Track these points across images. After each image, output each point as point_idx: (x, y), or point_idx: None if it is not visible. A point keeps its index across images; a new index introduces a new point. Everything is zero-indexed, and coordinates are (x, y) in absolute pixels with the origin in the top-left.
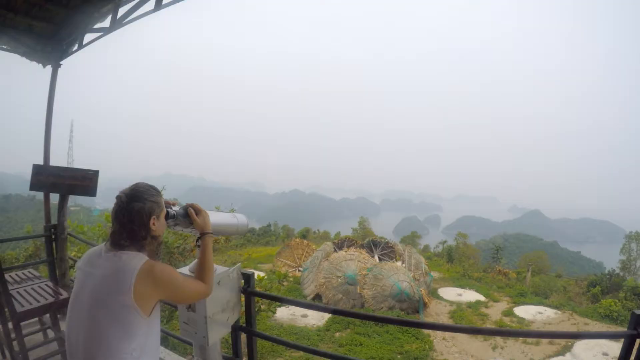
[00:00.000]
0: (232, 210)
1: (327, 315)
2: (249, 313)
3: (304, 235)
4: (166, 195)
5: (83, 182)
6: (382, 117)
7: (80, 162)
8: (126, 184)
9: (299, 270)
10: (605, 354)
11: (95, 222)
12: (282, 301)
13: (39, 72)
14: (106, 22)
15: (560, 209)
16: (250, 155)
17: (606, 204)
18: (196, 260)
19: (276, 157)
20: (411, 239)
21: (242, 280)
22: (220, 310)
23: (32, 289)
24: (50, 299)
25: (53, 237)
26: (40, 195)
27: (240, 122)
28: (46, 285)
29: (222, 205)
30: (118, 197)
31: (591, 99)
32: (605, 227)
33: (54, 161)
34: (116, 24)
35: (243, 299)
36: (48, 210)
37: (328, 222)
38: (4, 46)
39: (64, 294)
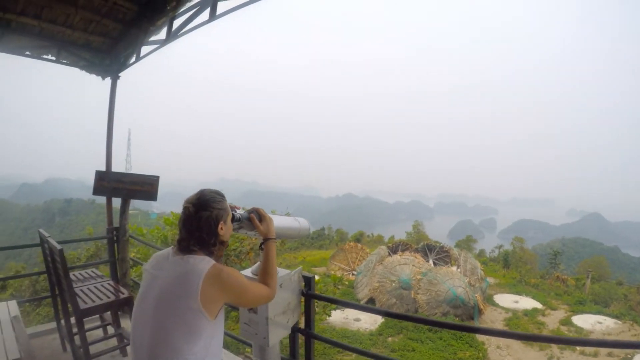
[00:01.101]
0: (288, 214)
1: (379, 320)
2: (309, 315)
3: (358, 239)
4: None
5: (144, 187)
6: (436, 118)
7: (138, 169)
8: (183, 189)
9: (352, 274)
10: None
11: (152, 225)
12: (343, 304)
13: (93, 84)
14: (162, 35)
15: (622, 211)
16: (304, 159)
17: None
18: (259, 263)
19: (329, 162)
20: (466, 243)
21: (303, 283)
22: (281, 312)
23: (94, 287)
24: (112, 297)
25: (115, 238)
26: (99, 199)
27: (294, 128)
28: (108, 284)
29: (276, 210)
30: (185, 207)
31: None
32: None
33: (113, 168)
34: (172, 36)
35: (302, 301)
36: (110, 214)
37: (381, 226)
38: (64, 61)
39: (125, 293)
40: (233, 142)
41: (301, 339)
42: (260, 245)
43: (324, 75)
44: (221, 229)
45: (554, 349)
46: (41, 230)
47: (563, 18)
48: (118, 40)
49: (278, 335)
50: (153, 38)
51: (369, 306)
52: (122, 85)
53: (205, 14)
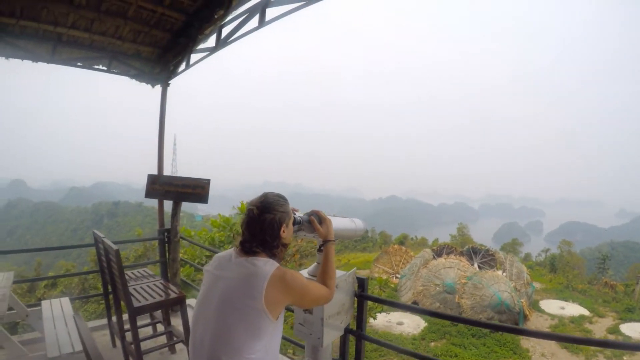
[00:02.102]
0: (335, 216)
1: (422, 324)
2: (360, 317)
3: (401, 241)
4: None
5: (195, 190)
6: (479, 118)
7: (183, 173)
8: (228, 191)
9: (396, 277)
10: None
11: (197, 227)
12: (396, 306)
13: (139, 93)
14: (211, 42)
15: None
16: (348, 162)
17: None
18: (315, 264)
19: (374, 164)
20: (511, 247)
21: (356, 285)
22: (336, 313)
23: (147, 286)
24: (164, 296)
25: (166, 240)
26: (146, 202)
27: (339, 131)
28: (160, 283)
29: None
30: (250, 210)
31: None
32: None
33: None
34: (221, 43)
35: (355, 302)
36: (162, 216)
37: (425, 228)
38: (115, 70)
39: (177, 292)
40: (278, 145)
41: (351, 340)
42: (320, 247)
43: (370, 83)
44: (283, 231)
45: (601, 358)
46: (96, 231)
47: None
48: (167, 50)
49: (332, 335)
50: (202, 46)
51: (421, 307)
52: (170, 90)
53: (255, 21)
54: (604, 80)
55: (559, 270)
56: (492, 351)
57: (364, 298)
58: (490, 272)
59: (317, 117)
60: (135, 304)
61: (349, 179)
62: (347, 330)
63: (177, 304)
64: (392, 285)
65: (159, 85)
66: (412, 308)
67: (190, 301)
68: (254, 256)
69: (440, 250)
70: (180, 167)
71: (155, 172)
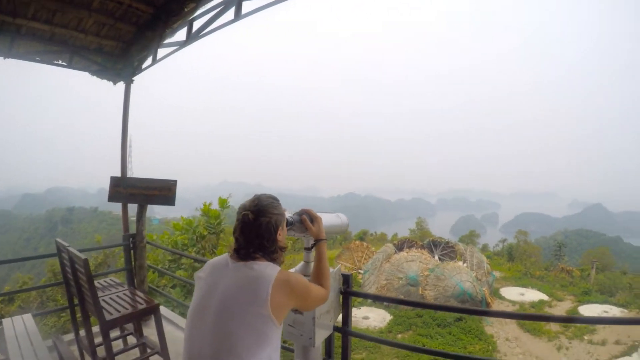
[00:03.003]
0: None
1: (388, 317)
2: (346, 313)
3: (362, 237)
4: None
5: (162, 192)
6: (436, 113)
7: (139, 174)
8: (186, 193)
9: (359, 273)
10: None
11: (155, 231)
12: (380, 299)
13: (93, 90)
14: (181, 36)
15: (624, 201)
16: (306, 160)
17: None
18: (303, 263)
19: (330, 162)
20: (469, 238)
21: (342, 281)
22: (326, 312)
23: (117, 296)
24: (138, 306)
25: (132, 245)
26: (102, 207)
27: (295, 127)
28: (130, 292)
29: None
30: (244, 215)
31: None
32: None
33: (111, 173)
34: (192, 37)
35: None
36: (126, 220)
37: (384, 224)
38: (76, 65)
39: (149, 301)
40: (235, 145)
41: (336, 337)
42: (311, 246)
43: (321, 76)
44: (279, 234)
45: (562, 339)
46: (59, 240)
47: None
48: (132, 44)
49: (322, 335)
50: (172, 40)
51: (406, 299)
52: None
53: (230, 14)
54: (560, 74)
55: (516, 258)
56: (458, 339)
57: (349, 294)
58: (451, 263)
59: (277, 120)
60: (108, 317)
61: (308, 178)
62: (334, 328)
63: (150, 314)
64: (360, 281)
65: (122, 82)
66: (398, 300)
67: (162, 309)
68: (253, 261)
69: (401, 245)
70: (136, 170)
71: (116, 174)
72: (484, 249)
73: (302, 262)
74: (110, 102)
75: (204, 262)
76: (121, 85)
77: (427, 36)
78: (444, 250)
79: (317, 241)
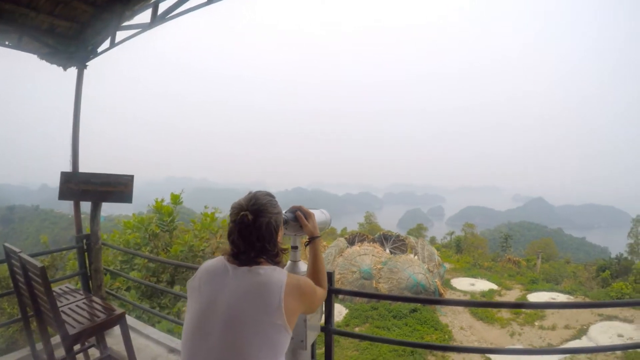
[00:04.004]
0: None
1: (344, 311)
2: (329, 311)
3: None
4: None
5: (117, 188)
6: (382, 109)
7: (83, 169)
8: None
9: None
10: (620, 335)
11: (102, 230)
12: (361, 295)
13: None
14: (146, 17)
15: (564, 195)
16: (253, 155)
17: (611, 189)
18: (289, 262)
19: (278, 157)
20: (417, 232)
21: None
22: (316, 312)
23: (76, 305)
24: (101, 316)
25: (85, 247)
26: (44, 205)
27: (241, 120)
28: (90, 300)
29: (225, 207)
30: (243, 216)
31: (580, 79)
32: (609, 212)
33: (52, 170)
34: (157, 19)
35: None
36: (79, 220)
37: (333, 218)
38: (25, 47)
39: (113, 309)
40: (180, 139)
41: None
42: (306, 244)
43: (277, 69)
44: (279, 235)
45: (514, 325)
46: (7, 244)
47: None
48: (87, 26)
49: (313, 336)
50: (134, 22)
51: (386, 294)
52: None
53: None
54: (496, 74)
55: (464, 250)
56: (415, 330)
57: (332, 292)
58: (403, 256)
59: (224, 114)
60: (71, 330)
61: (256, 173)
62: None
63: (116, 324)
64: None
65: (74, 67)
66: (380, 296)
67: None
68: (257, 265)
69: (352, 239)
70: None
71: (67, 169)
72: (432, 241)
73: (289, 262)
74: (56, 90)
75: (160, 262)
76: (73, 71)
77: (399, 40)
78: (395, 243)
79: (312, 239)
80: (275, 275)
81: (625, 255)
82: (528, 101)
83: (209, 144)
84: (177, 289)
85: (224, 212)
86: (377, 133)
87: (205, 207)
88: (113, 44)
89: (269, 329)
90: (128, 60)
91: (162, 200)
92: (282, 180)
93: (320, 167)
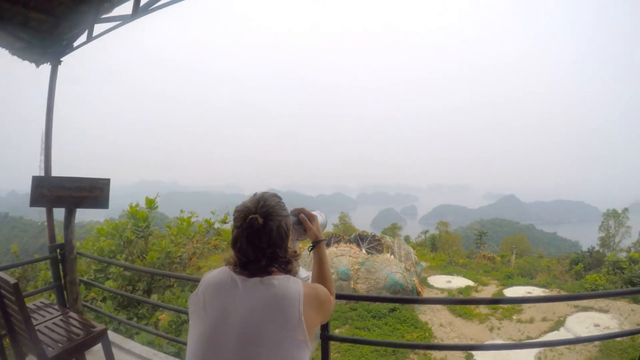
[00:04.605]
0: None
1: None
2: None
3: None
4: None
5: (93, 192)
6: (357, 112)
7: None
8: None
9: None
10: (597, 325)
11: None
12: (355, 299)
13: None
14: (127, 9)
15: (535, 192)
16: (224, 155)
17: (580, 185)
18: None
19: (250, 157)
20: (391, 231)
21: None
22: None
23: (53, 323)
24: (81, 334)
25: (60, 257)
26: (14, 212)
27: (214, 123)
28: (66, 317)
29: (198, 210)
30: (252, 219)
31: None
32: (579, 207)
33: (20, 177)
34: (140, 11)
35: None
36: (52, 228)
37: None
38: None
39: (94, 325)
40: (150, 141)
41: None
42: (310, 249)
43: (248, 67)
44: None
45: (493, 320)
46: None
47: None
48: (63, 19)
49: (314, 344)
50: (114, 14)
51: (384, 296)
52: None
53: None
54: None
55: (439, 248)
56: (395, 329)
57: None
58: (380, 256)
59: (192, 114)
60: (49, 352)
61: (228, 175)
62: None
63: (98, 341)
64: None
65: (48, 63)
66: (372, 298)
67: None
68: (268, 275)
69: (328, 240)
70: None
71: (39, 173)
72: (407, 240)
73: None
74: (27, 87)
75: (138, 270)
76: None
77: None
78: (371, 243)
79: (317, 243)
80: (291, 285)
81: (597, 248)
82: (498, 104)
83: (178, 143)
84: (154, 297)
85: (201, 216)
86: (349, 134)
87: (182, 211)
88: (90, 38)
89: (289, 346)
90: (103, 56)
91: (137, 205)
92: (254, 181)
93: (293, 168)
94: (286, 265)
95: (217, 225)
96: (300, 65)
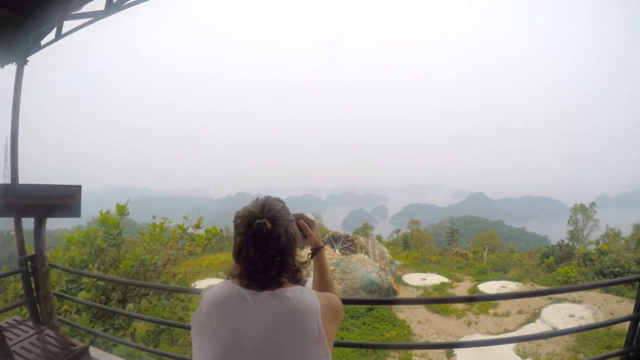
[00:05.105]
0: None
1: None
2: None
3: None
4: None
5: (63, 200)
6: (324, 112)
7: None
8: None
9: None
10: (571, 316)
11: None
12: (349, 303)
13: None
14: (99, 5)
15: (503, 189)
16: (194, 161)
17: (547, 181)
18: None
19: (219, 159)
20: (363, 231)
21: None
22: None
23: (29, 343)
24: (62, 354)
25: (31, 270)
26: None
27: (182, 126)
28: (42, 335)
29: (168, 216)
30: (259, 225)
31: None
32: (546, 203)
33: None
34: (113, 6)
35: None
36: (21, 239)
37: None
38: None
39: (73, 344)
40: (119, 148)
41: None
42: (311, 256)
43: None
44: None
45: (470, 315)
46: None
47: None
48: (30, 16)
49: None
50: (85, 10)
51: (387, 299)
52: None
53: None
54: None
55: (412, 247)
56: (374, 328)
57: None
58: (355, 256)
59: (161, 115)
60: None
61: (195, 179)
62: None
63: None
64: None
65: (14, 63)
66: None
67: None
68: (280, 287)
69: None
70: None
71: (3, 180)
72: (379, 239)
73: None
74: None
75: (111, 280)
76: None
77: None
78: (345, 244)
79: (317, 249)
80: (306, 297)
81: (566, 241)
82: (467, 108)
83: (145, 147)
84: (130, 307)
85: (174, 222)
86: (317, 136)
87: (154, 217)
88: (59, 36)
89: None
90: (73, 53)
91: (108, 212)
92: (224, 185)
93: (262, 171)
94: (295, 275)
95: (190, 230)
96: (268, 66)
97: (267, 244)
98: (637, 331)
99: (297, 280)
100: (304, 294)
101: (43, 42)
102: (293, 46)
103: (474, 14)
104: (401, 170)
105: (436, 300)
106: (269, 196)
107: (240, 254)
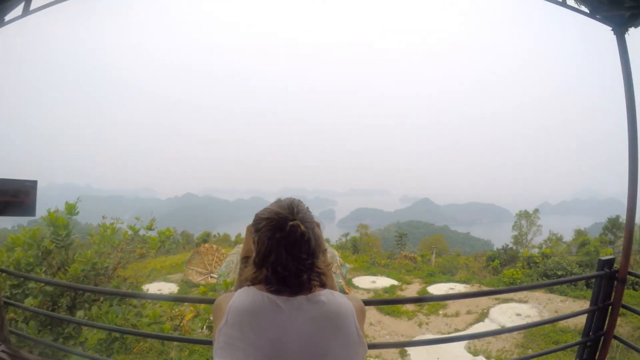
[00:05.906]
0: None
1: None
2: None
3: (205, 239)
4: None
5: (17, 197)
6: (272, 111)
7: None
8: None
9: (211, 277)
10: (518, 314)
11: None
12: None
13: None
14: None
15: (448, 195)
16: (141, 159)
17: (491, 188)
18: None
19: (165, 160)
20: None
21: None
22: None
23: None
24: None
25: None
26: None
27: (128, 122)
28: (3, 351)
29: (115, 215)
30: (293, 227)
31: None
32: (490, 209)
33: None
34: None
35: None
36: None
37: (224, 225)
38: None
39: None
40: (58, 139)
41: None
42: None
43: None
44: None
45: (420, 316)
46: None
47: None
48: None
49: None
50: None
51: (375, 299)
52: None
53: None
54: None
55: (361, 250)
56: None
57: None
58: None
59: (105, 108)
60: None
61: (141, 178)
62: None
63: None
64: (215, 286)
65: None
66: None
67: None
68: (312, 292)
69: None
70: None
71: None
72: (327, 243)
73: None
74: None
75: (60, 285)
76: None
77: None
78: None
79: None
80: (340, 300)
81: (510, 245)
82: (412, 110)
83: (89, 143)
84: (80, 314)
85: (126, 222)
86: (265, 138)
87: (104, 217)
88: (27, 12)
89: None
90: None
91: (57, 210)
92: (170, 185)
93: (208, 171)
94: (321, 277)
95: (142, 232)
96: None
97: (299, 247)
98: (593, 322)
99: (323, 283)
100: (337, 297)
101: (7, 17)
102: (266, 46)
103: (432, 36)
104: (349, 175)
105: (387, 302)
106: (289, 198)
107: (267, 257)
